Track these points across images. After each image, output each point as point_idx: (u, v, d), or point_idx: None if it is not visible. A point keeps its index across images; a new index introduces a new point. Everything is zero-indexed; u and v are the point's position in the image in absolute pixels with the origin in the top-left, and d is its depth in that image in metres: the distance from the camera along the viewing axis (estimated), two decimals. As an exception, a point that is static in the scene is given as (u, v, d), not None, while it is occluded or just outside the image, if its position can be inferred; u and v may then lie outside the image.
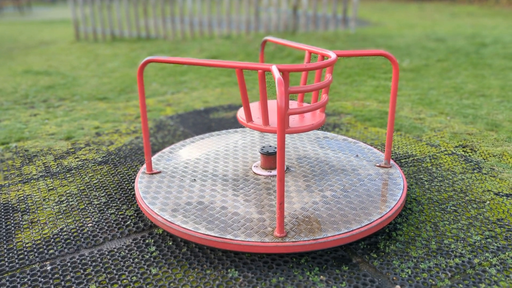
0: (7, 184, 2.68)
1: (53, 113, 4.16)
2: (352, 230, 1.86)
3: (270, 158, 2.40)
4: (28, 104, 4.48)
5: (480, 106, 4.22)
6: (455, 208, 2.32)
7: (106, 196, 2.48)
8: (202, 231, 1.86)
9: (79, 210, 2.34)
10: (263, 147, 2.46)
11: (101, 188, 2.58)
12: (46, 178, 2.73)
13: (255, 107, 2.39)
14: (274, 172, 2.39)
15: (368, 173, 2.39)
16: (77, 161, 3.00)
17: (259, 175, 2.39)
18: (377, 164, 2.49)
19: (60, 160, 3.03)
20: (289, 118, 2.08)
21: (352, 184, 2.26)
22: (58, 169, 2.88)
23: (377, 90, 4.86)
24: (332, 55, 2.14)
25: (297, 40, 8.39)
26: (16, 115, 4.10)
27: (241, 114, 2.25)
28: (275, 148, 2.44)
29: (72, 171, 2.83)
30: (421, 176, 2.69)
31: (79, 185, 2.63)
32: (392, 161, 2.56)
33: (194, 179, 2.34)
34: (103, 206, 2.36)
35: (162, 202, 2.11)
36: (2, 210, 2.36)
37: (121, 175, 2.73)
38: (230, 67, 2.02)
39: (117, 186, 2.58)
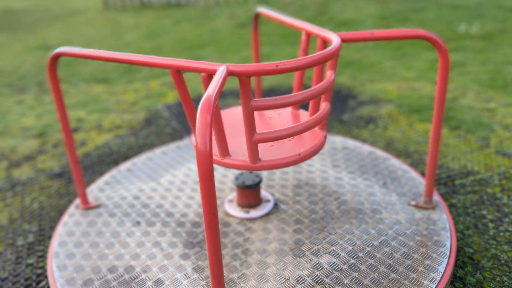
0: None
1: (41, 100, 3.61)
2: None
3: (248, 192, 1.63)
4: (20, 87, 3.97)
5: None
6: (537, 280, 1.46)
7: (37, 232, 1.86)
8: (105, 336, 1.17)
9: (-7, 255, 1.74)
10: (240, 174, 1.70)
11: (38, 217, 1.96)
12: (-18, 198, 2.16)
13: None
14: (254, 214, 1.63)
15: (396, 220, 1.56)
16: (30, 171, 2.40)
17: (231, 216, 1.64)
18: (413, 203, 1.65)
19: (13, 169, 2.46)
20: (257, 147, 1.29)
21: (368, 243, 1.46)
22: (2, 183, 2.30)
23: (434, 67, 3.83)
24: (335, 40, 1.30)
25: None
26: (0, 103, 3.60)
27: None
28: (257, 176, 1.67)
29: (17, 188, 2.24)
30: (484, 212, 1.81)
31: (14, 212, 2.03)
32: (436, 196, 1.70)
33: (138, 222, 1.65)
34: (25, 251, 1.75)
35: (76, 265, 1.44)
36: None
37: (70, 196, 2.10)
38: (162, 67, 1.26)
39: (58, 216, 1.95)
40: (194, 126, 1.40)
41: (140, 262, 1.43)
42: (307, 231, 1.52)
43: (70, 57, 4.96)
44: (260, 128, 1.49)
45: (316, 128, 1.47)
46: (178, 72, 1.27)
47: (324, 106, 1.41)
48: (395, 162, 1.95)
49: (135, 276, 1.38)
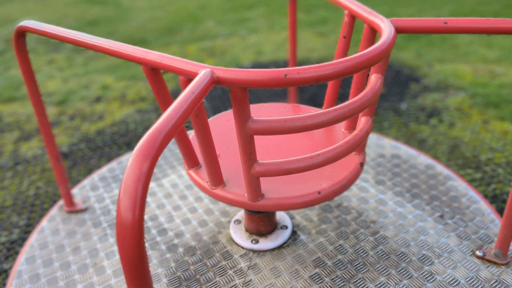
0: None
1: (72, 61, 3.39)
2: None
3: (258, 217, 1.27)
4: (54, 45, 3.78)
5: None
6: None
7: (24, 227, 1.64)
8: None
9: (-30, 253, 1.54)
10: (251, 191, 1.33)
11: (30, 208, 1.74)
12: (-19, 176, 1.98)
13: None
14: (263, 245, 1.28)
15: (452, 278, 1.15)
16: (37, 148, 2.19)
17: (235, 244, 1.30)
18: (479, 253, 1.22)
19: (23, 142, 2.26)
20: (259, 180, 0.92)
21: (408, 311, 1.07)
22: (6, 159, 2.10)
23: (522, 46, 3.16)
24: (386, 31, 0.88)
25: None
26: (32, 61, 3.43)
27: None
28: (272, 197, 1.30)
29: (18, 167, 2.03)
30: None
31: (7, 198, 1.82)
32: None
33: (123, 239, 1.35)
34: (5, 251, 1.53)
35: (37, 293, 1.18)
36: None
37: (70, 183, 1.85)
38: (132, 60, 0.90)
39: (50, 208, 1.71)
40: (185, 153, 1.04)
41: (111, 300, 1.14)
42: (328, 280, 1.15)
43: (111, 14, 4.71)
44: (264, 147, 1.11)
45: (353, 154, 1.07)
46: (156, 73, 0.90)
47: (364, 122, 0.99)
48: (460, 185, 1.49)
49: (100, 321, 1.09)
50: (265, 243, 1.27)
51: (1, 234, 1.62)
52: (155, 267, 1.23)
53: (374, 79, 0.94)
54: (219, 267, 1.22)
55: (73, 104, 2.67)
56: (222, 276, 1.19)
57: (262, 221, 1.28)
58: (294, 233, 1.33)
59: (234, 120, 0.82)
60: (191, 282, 1.18)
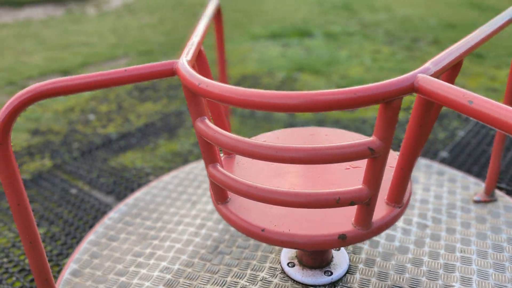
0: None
1: (394, 55, 3.50)
2: None
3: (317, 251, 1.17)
4: (390, 37, 3.94)
5: None
6: None
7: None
8: None
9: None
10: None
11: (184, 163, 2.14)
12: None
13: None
14: (292, 272, 1.18)
15: None
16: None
17: (279, 256, 1.25)
18: None
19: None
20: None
21: None
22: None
23: None
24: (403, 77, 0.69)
25: None
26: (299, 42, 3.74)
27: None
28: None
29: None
30: None
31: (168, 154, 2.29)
32: None
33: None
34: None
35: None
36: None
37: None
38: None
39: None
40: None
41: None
42: None
43: (476, 20, 4.35)
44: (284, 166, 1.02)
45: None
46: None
47: (353, 190, 0.79)
48: None
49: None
50: (296, 272, 1.18)
51: (150, 175, 2.02)
52: (192, 243, 1.38)
53: (362, 141, 0.72)
54: (246, 264, 1.24)
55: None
56: (241, 270, 1.22)
57: (321, 255, 1.17)
58: (333, 286, 1.15)
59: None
60: (212, 261, 1.27)
